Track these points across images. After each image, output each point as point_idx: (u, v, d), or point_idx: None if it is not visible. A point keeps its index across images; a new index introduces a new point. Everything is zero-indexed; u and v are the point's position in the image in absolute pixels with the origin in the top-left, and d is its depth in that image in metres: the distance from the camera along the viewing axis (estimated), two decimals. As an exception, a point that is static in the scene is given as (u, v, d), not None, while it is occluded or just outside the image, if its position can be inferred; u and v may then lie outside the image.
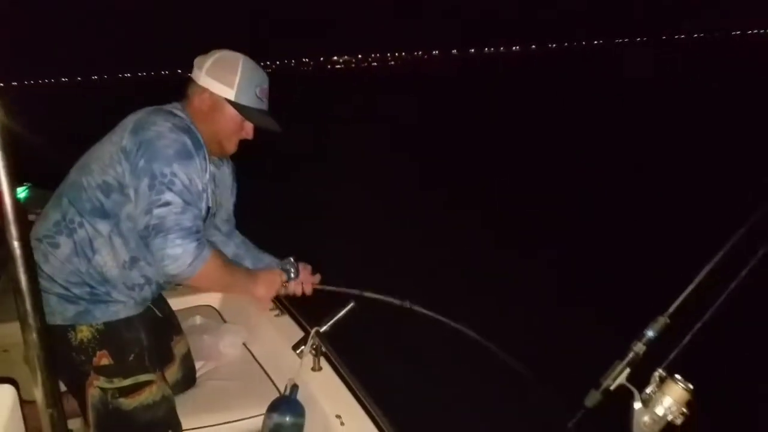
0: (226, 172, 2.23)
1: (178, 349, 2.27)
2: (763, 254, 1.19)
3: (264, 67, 2.03)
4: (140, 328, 1.94)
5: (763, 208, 1.20)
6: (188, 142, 1.78)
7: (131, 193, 1.75)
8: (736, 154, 11.54)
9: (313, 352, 2.19)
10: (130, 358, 1.89)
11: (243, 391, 2.35)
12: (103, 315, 1.84)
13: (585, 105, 23.45)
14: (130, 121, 1.84)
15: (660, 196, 9.21)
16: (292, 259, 2.23)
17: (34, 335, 0.99)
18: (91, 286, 1.81)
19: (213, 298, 3.01)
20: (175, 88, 2.07)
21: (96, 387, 1.86)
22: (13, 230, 0.95)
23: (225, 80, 1.89)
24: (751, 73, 34.14)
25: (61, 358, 1.83)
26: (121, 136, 1.79)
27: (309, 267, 2.24)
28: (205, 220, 1.87)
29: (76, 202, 1.80)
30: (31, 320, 0.98)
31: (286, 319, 2.58)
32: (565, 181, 10.84)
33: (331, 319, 2.17)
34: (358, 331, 2.32)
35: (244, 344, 2.64)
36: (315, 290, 2.23)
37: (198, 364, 2.43)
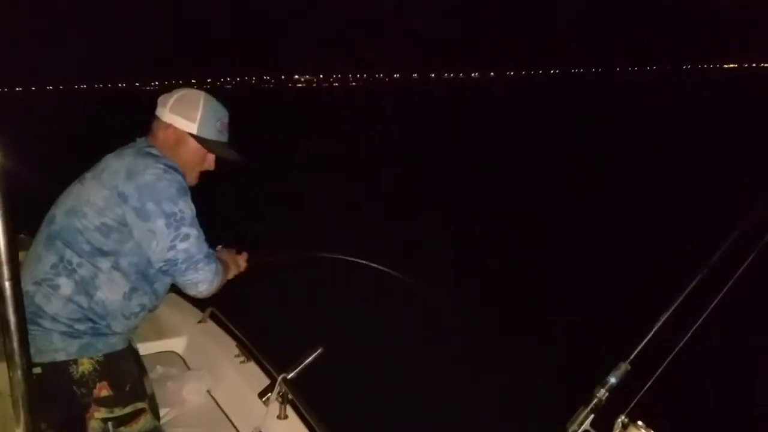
0: None
1: (148, 388, 2.26)
2: (719, 301, 1.27)
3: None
4: (131, 358, 2.02)
5: (716, 257, 1.29)
6: (181, 179, 1.92)
7: (135, 232, 1.84)
8: (695, 198, 11.97)
9: (280, 399, 2.18)
10: (127, 388, 1.93)
11: (207, 439, 2.32)
12: (104, 347, 1.89)
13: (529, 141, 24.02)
14: (118, 166, 1.90)
15: (617, 244, 9.44)
16: (221, 246, 2.29)
17: (20, 373, 1.00)
18: (93, 321, 1.86)
19: (177, 345, 2.97)
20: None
21: (97, 419, 1.88)
22: (5, 269, 0.96)
23: (188, 116, 2.02)
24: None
25: (60, 396, 1.85)
26: (114, 182, 1.87)
27: (234, 249, 2.35)
28: None
29: (73, 245, 1.85)
30: (17, 358, 0.99)
31: (252, 366, 2.57)
32: (524, 224, 11.00)
33: (299, 366, 2.18)
34: (326, 378, 2.32)
35: (208, 391, 2.61)
36: (250, 263, 2.32)
37: (162, 412, 2.39)
